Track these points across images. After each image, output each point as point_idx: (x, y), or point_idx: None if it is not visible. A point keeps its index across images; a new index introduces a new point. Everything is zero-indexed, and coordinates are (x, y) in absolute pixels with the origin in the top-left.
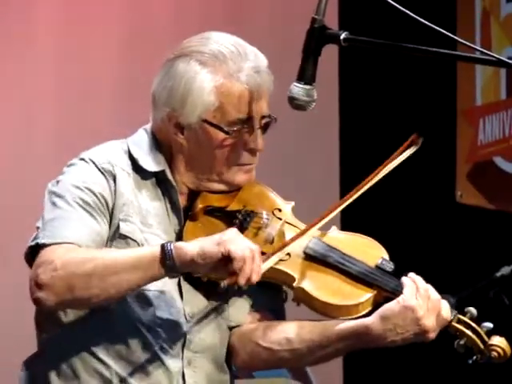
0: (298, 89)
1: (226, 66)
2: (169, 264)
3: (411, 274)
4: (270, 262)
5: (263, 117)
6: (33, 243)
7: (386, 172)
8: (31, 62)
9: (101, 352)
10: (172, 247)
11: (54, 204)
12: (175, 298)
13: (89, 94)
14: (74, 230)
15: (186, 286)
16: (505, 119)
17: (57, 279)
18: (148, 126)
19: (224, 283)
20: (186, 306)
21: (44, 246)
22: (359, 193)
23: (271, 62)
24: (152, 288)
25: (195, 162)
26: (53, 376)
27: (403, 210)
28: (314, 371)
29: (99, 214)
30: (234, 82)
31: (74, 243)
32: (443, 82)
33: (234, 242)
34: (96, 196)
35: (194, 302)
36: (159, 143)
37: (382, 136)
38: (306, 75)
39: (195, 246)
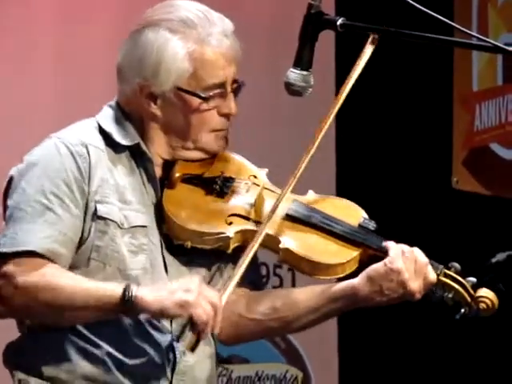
0: (294, 75)
1: (196, 32)
2: (126, 311)
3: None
4: (229, 291)
5: (234, 81)
6: None
7: (350, 87)
8: (29, 48)
9: (90, 333)
10: (132, 295)
11: (17, 203)
12: (160, 273)
13: (86, 82)
14: (35, 236)
15: (169, 258)
16: (501, 105)
17: (16, 299)
18: (112, 102)
19: (183, 345)
20: (171, 280)
21: (6, 254)
22: (332, 115)
23: (268, 48)
24: (138, 266)
25: (170, 130)
26: (41, 358)
27: (399, 195)
28: (309, 355)
29: (67, 207)
30: (205, 47)
31: (36, 251)
32: (440, 68)
33: (196, 304)
34: (67, 185)
35: (179, 274)
36: (128, 116)
37: (378, 121)
38: (303, 61)
39: (155, 302)
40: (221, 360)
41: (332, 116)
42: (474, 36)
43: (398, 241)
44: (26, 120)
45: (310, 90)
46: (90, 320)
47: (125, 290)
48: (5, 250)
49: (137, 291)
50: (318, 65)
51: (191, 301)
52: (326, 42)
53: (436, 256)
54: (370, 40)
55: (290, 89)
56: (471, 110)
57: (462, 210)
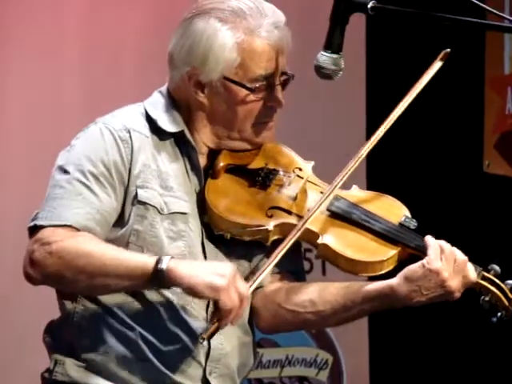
0: (324, 57)
1: (246, 22)
2: (157, 282)
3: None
4: (257, 283)
5: (282, 73)
6: (31, 224)
7: (416, 94)
8: (57, 33)
9: (125, 315)
10: (164, 267)
11: (57, 181)
12: (199, 259)
13: (113, 63)
14: (73, 212)
15: (209, 247)
16: None
17: (48, 263)
18: (163, 88)
19: (203, 335)
20: None
21: (42, 227)
22: (391, 122)
23: (298, 30)
24: (175, 252)
25: (216, 120)
26: (78, 339)
27: (431, 179)
28: (339, 339)
29: (105, 188)
30: (255, 38)
31: (73, 225)
32: (471, 50)
33: (226, 291)
34: (106, 167)
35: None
36: (177, 103)
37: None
38: (333, 44)
39: (187, 277)
40: None
41: (390, 123)
42: (506, 18)
43: (428, 223)
44: (52, 114)
45: (341, 73)
46: (121, 290)
47: (158, 261)
48: (41, 222)
49: (170, 263)
50: (349, 48)
51: (222, 285)
52: (356, 25)
53: (468, 240)
54: (441, 55)
55: (321, 72)
56: (503, 93)
57: (494, 194)
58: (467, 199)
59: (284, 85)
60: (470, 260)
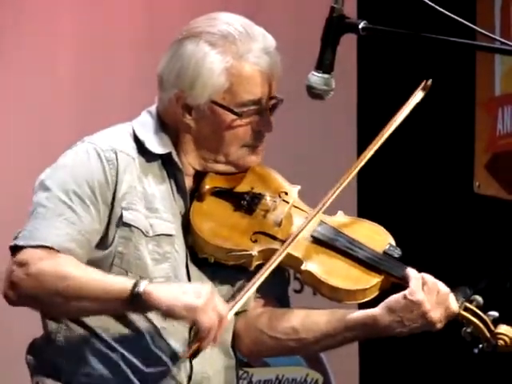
0: (316, 78)
1: (236, 47)
2: (134, 306)
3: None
4: (238, 306)
5: (271, 98)
6: (12, 244)
7: (397, 125)
8: (51, 43)
9: (108, 336)
10: (141, 291)
11: (40, 199)
12: (184, 282)
13: (107, 72)
14: (53, 232)
15: (193, 269)
16: None
17: (26, 285)
18: (152, 108)
19: (184, 353)
20: None
21: (23, 247)
22: (373, 149)
23: (289, 51)
24: (160, 274)
25: (202, 142)
26: (60, 360)
27: (421, 199)
28: (329, 359)
29: (88, 208)
30: (243, 63)
31: (52, 246)
32: (462, 71)
33: (203, 311)
34: (90, 188)
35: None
36: (165, 124)
37: (400, 126)
38: (325, 64)
39: (164, 300)
40: (241, 363)
41: (371, 152)
42: (497, 39)
43: (418, 244)
44: (47, 122)
45: (332, 93)
46: (98, 313)
47: (135, 284)
48: (22, 243)
49: (146, 286)
50: (340, 68)
51: (199, 306)
52: (347, 45)
53: (458, 261)
54: (421, 86)
55: (312, 92)
56: (494, 114)
57: (484, 215)
58: (458, 220)
59: (273, 109)
60: (459, 282)
